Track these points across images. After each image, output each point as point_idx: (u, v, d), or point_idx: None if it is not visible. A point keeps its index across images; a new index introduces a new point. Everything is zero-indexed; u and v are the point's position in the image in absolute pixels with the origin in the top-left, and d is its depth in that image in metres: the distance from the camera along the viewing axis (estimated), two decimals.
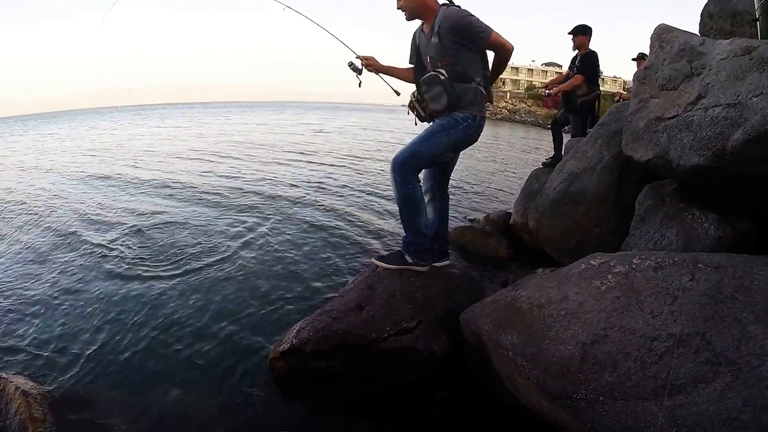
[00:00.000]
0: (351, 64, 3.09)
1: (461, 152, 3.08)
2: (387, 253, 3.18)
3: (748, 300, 1.85)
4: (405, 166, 2.77)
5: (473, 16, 2.64)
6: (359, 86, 3.25)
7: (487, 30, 2.64)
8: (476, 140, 2.91)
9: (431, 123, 2.89)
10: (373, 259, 3.08)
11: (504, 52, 2.76)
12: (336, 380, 2.49)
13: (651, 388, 1.73)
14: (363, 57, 3.11)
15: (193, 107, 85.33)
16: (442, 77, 2.68)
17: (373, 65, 3.11)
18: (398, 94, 3.34)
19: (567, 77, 5.97)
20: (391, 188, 2.86)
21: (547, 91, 6.04)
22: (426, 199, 3.06)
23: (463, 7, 2.70)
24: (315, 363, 2.46)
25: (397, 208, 2.94)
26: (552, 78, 6.35)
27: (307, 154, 12.54)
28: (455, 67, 2.68)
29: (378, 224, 5.61)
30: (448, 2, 2.78)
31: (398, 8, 2.82)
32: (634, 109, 3.13)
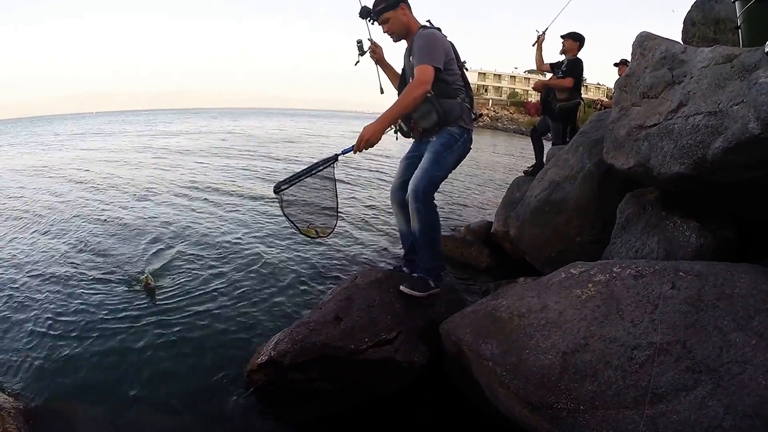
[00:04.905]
0: (359, 42, 3.07)
1: None
2: (411, 282, 2.93)
3: (729, 308, 1.84)
4: (427, 195, 2.71)
5: (431, 43, 2.66)
6: (356, 65, 3.19)
7: (423, 59, 2.59)
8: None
9: (428, 143, 2.83)
10: (402, 288, 2.86)
11: (412, 83, 2.61)
12: (315, 392, 2.44)
13: (632, 397, 1.71)
14: (374, 42, 3.10)
15: (175, 113, 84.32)
16: (429, 95, 2.66)
17: (378, 54, 3.12)
18: (382, 92, 3.28)
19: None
20: (413, 220, 2.75)
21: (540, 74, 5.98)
22: (401, 210, 3.02)
23: (432, 32, 2.72)
24: (293, 375, 2.40)
25: (420, 235, 2.78)
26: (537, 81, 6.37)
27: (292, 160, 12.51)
28: (439, 84, 2.67)
29: (357, 234, 5.57)
30: (427, 23, 2.81)
31: (384, 32, 2.83)
32: (616, 117, 3.13)
